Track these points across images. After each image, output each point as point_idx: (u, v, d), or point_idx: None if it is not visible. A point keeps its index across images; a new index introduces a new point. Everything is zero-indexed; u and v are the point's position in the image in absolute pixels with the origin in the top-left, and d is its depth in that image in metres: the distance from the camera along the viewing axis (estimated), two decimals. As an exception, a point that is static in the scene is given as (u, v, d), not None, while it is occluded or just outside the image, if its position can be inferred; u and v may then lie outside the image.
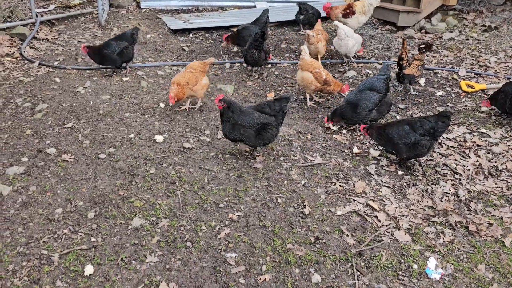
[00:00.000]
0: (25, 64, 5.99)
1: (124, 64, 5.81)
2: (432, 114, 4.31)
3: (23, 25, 6.87)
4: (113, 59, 5.57)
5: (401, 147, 3.96)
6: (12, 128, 4.50)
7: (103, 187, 3.69)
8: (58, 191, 3.63)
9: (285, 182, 3.85)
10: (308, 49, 6.16)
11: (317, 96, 5.47)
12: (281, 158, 4.20)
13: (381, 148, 4.37)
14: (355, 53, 6.68)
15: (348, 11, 7.02)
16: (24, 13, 7.23)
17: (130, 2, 8.37)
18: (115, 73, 5.75)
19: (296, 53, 6.96)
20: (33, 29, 6.88)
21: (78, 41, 6.80)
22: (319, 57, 6.34)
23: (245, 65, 6.29)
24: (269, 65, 6.35)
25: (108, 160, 4.04)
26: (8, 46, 6.44)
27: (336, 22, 6.50)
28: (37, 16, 7.13)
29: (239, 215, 3.43)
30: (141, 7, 8.33)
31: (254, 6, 8.73)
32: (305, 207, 3.53)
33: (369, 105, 4.52)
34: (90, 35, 7.04)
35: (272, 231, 3.30)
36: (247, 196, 3.64)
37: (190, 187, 3.72)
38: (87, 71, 5.87)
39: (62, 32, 7.16)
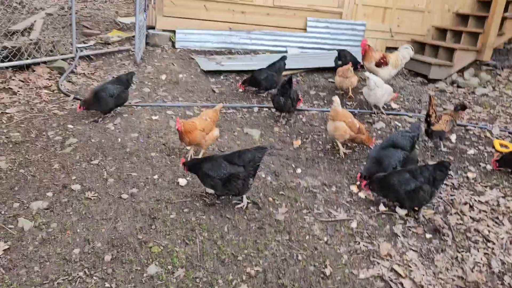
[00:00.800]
0: (61, 97, 6.19)
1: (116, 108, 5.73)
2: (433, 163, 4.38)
3: (63, 59, 7.16)
4: (108, 101, 5.45)
5: (402, 194, 4.01)
6: (41, 161, 4.58)
7: (123, 229, 3.66)
8: (78, 230, 3.62)
9: (307, 237, 3.73)
10: (342, 83, 6.99)
11: (344, 147, 5.39)
12: (304, 211, 4.09)
13: (383, 199, 4.30)
14: (384, 104, 6.63)
15: (382, 60, 7.03)
16: (65, 48, 7.55)
17: (166, 41, 8.65)
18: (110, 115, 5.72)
19: (325, 101, 6.95)
20: (72, 63, 7.16)
21: (113, 77, 7.01)
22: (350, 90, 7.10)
23: (273, 110, 6.31)
24: (296, 112, 6.36)
25: (130, 201, 4.03)
26: (47, 79, 6.69)
27: (366, 73, 6.52)
28: (77, 51, 7.43)
29: (257, 270, 3.31)
30: (176, 47, 8.59)
31: (286, 52, 8.87)
32: (326, 267, 3.38)
33: (393, 163, 4.42)
34: (125, 71, 7.25)
35: (291, 290, 3.16)
36: (267, 250, 3.54)
37: (209, 236, 3.65)
38: (118, 108, 6.00)
39: (98, 67, 7.42)
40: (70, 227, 3.65)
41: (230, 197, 4.14)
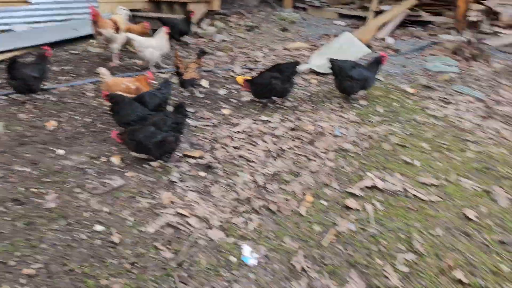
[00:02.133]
0: None
1: None
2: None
3: None
4: None
5: (151, 147, 4.13)
6: None
7: None
8: None
9: (86, 214, 3.51)
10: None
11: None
12: (77, 190, 3.81)
13: (134, 153, 4.37)
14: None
15: (116, 25, 6.85)
16: None
17: None
18: None
19: (72, 75, 6.45)
20: None
21: None
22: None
23: (14, 96, 5.51)
24: (43, 92, 5.72)
25: None
26: None
27: (129, 35, 6.54)
28: None
29: (37, 267, 2.96)
30: None
31: (10, 30, 7.70)
32: (112, 235, 3.28)
33: (132, 116, 4.46)
34: None
35: (82, 272, 2.95)
36: (44, 243, 3.18)
37: (-35, 254, 3.04)
38: None
39: None
40: None
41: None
